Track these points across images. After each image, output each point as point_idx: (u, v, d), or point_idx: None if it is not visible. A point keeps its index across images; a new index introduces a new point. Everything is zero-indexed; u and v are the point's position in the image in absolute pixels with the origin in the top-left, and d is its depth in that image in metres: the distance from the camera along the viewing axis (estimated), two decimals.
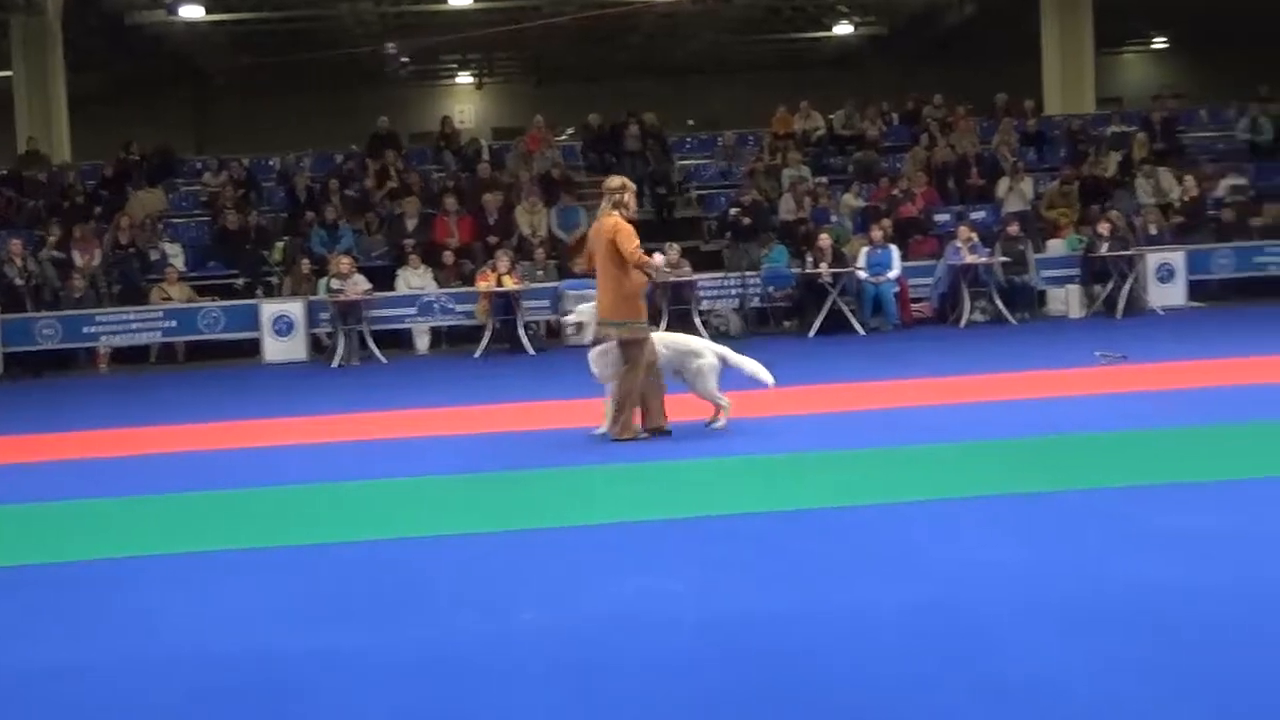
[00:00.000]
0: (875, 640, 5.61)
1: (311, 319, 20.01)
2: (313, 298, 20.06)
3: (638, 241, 10.92)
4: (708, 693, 5.12)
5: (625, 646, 5.69)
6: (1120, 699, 4.84)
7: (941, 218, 22.64)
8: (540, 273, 20.78)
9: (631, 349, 10.85)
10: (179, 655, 5.89)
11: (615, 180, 11.28)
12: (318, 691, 5.36)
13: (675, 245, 20.18)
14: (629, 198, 11.07)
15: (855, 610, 6.03)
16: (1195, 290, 21.11)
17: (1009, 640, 5.52)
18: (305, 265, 20.71)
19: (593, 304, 11.37)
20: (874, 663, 5.34)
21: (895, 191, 22.72)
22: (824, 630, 5.77)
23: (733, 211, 22.24)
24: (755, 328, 20.70)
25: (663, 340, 11.44)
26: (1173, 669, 5.12)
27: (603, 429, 11.03)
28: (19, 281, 20.24)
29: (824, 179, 23.94)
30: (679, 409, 11.22)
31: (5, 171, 25.11)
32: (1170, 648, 5.35)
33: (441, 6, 29.90)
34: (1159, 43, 42.24)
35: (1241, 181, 23.32)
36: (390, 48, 29.12)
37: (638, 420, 10.97)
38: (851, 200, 23.03)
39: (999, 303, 19.99)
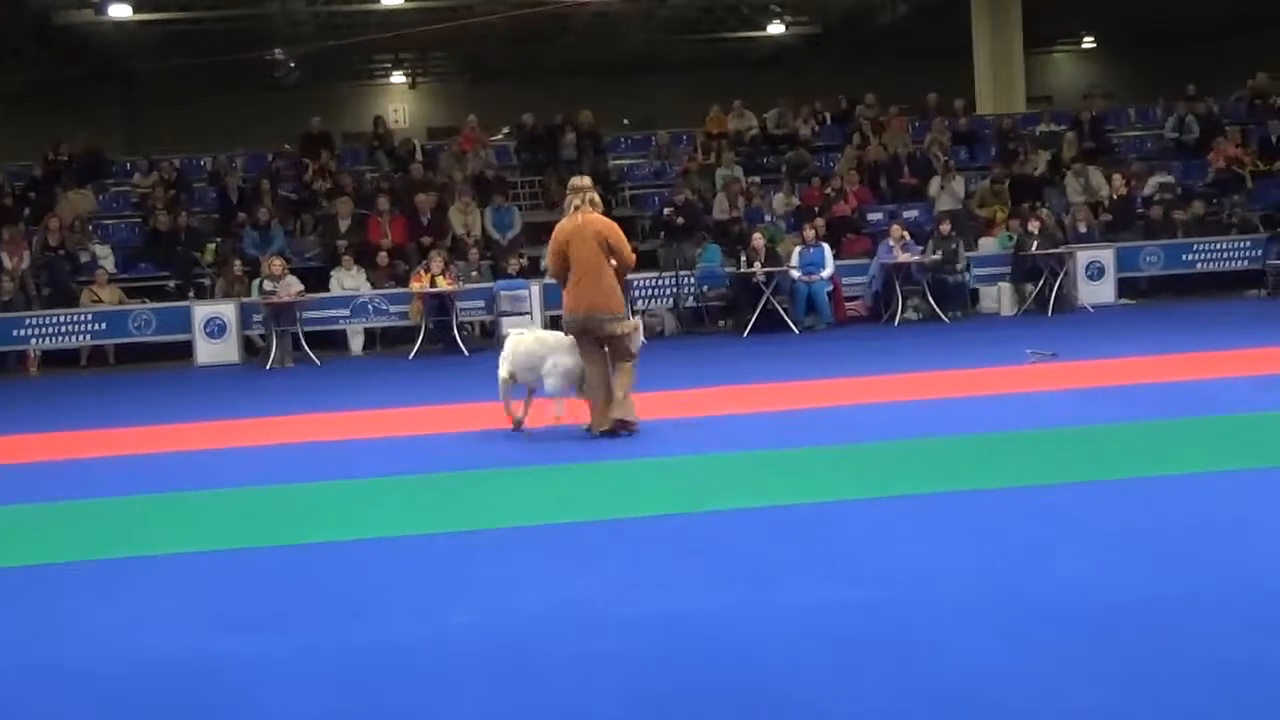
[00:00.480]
0: (806, 639, 5.63)
1: (244, 321, 19.88)
2: (245, 300, 19.92)
3: None
4: (637, 693, 5.14)
5: (557, 647, 5.69)
6: (1053, 697, 4.88)
7: (874, 216, 22.80)
8: (475, 273, 20.74)
9: (635, 336, 11.10)
10: (108, 661, 5.84)
11: (585, 179, 11.51)
12: (248, 696, 5.33)
13: None
14: (597, 196, 11.30)
15: (787, 610, 6.05)
16: (1124, 287, 21.38)
17: (940, 639, 5.55)
18: (238, 266, 20.56)
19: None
20: (804, 662, 5.37)
21: (828, 191, 22.83)
22: (755, 630, 5.79)
23: (666, 211, 22.28)
24: (690, 327, 20.75)
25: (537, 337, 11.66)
26: (1107, 667, 5.15)
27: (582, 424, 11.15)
28: None
29: (757, 178, 24.04)
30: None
31: None
32: (1104, 645, 5.38)
33: (373, 6, 29.71)
34: (1088, 43, 42.66)
35: (1169, 179, 23.62)
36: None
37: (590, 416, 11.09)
38: (784, 200, 23.09)
39: (931, 301, 20.13)
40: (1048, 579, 6.32)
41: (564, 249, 11.07)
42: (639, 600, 6.33)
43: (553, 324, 20.11)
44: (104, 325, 20.11)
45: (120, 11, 28.29)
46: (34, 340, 19.95)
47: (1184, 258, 21.78)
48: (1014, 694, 4.92)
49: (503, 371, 11.44)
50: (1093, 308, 20.40)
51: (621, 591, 6.49)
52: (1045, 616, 5.74)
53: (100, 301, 20.39)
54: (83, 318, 20.08)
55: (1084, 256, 20.96)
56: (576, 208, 11.10)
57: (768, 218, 22.34)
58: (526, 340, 11.55)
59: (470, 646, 5.77)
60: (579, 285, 11.01)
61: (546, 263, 11.30)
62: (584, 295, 10.97)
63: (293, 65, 27.71)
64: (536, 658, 5.58)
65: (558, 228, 11.29)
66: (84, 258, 21.66)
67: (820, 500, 8.28)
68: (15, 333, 19.88)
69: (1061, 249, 20.53)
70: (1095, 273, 20.97)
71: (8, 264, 20.84)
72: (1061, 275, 20.27)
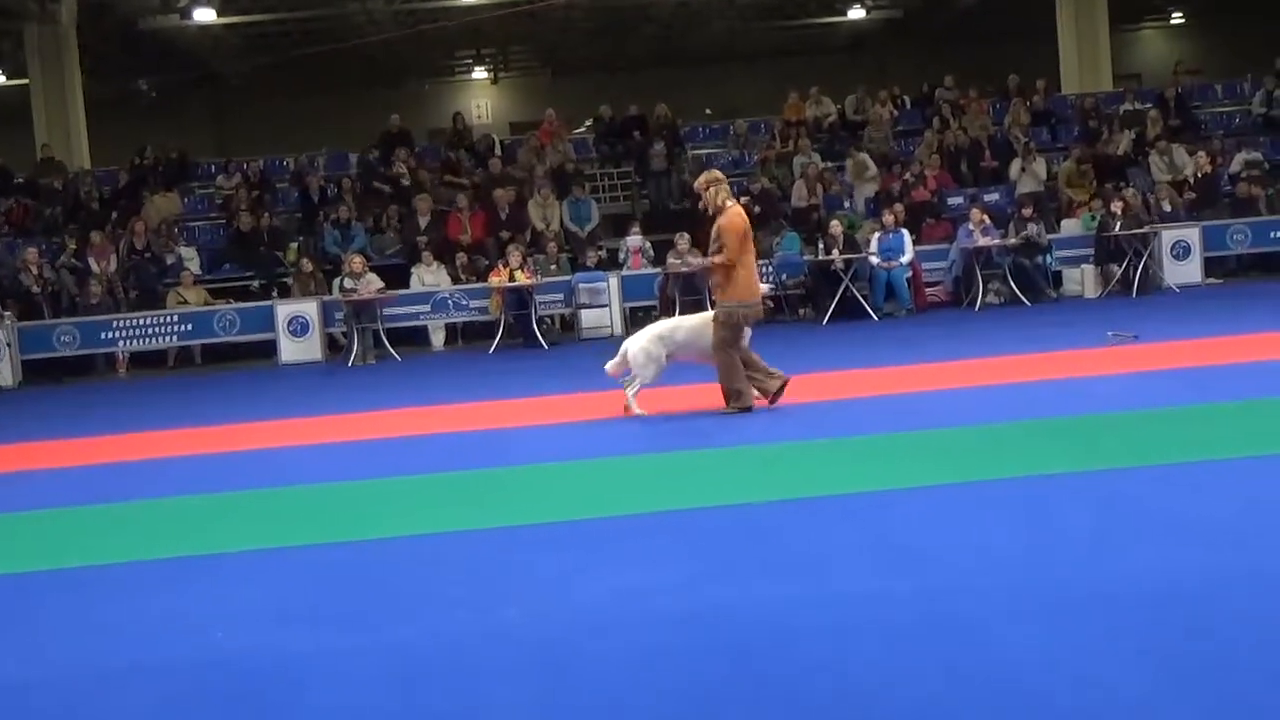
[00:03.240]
0: (857, 629, 5.61)
1: (327, 319, 20.08)
2: (326, 298, 20.12)
3: None
4: (688, 684, 5.14)
5: (609, 640, 5.71)
6: (1098, 686, 4.82)
7: (954, 201, 22.58)
8: (553, 267, 20.81)
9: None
10: (175, 657, 5.94)
11: (719, 172, 12.03)
12: (302, 691, 5.40)
13: (685, 235, 20.20)
14: None
15: (839, 599, 6.03)
16: (1212, 267, 21.00)
17: (994, 628, 5.51)
18: (306, 264, 20.75)
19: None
20: (854, 652, 5.35)
21: (907, 176, 22.66)
22: (806, 620, 5.78)
23: (743, 200, 22.17)
24: (769, 316, 20.56)
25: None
26: (1155, 655, 5.09)
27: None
28: (35, 289, 20.42)
29: (835, 165, 23.89)
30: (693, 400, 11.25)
31: (22, 179, 25.24)
32: (1153, 633, 5.32)
33: (452, 3, 29.85)
34: (1176, 18, 41.93)
35: (1256, 156, 23.16)
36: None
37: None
38: (858, 165, 22.90)
39: (1013, 285, 19.90)
40: (1101, 565, 6.24)
41: (746, 235, 11.34)
42: (693, 593, 6.32)
43: (632, 316, 20.34)
44: (190, 326, 20.41)
45: (204, 15, 28.64)
46: (122, 342, 20.27)
47: (1272, 235, 21.33)
48: (1060, 682, 4.87)
49: (659, 355, 11.64)
50: (1179, 288, 20.08)
51: (676, 584, 6.48)
52: (1095, 604, 5.67)
53: (186, 303, 20.68)
54: (169, 319, 20.39)
55: (1169, 236, 20.61)
56: (728, 195, 11.50)
57: (846, 204, 22.21)
58: (686, 320, 12.16)
59: (522, 641, 5.80)
60: (754, 274, 11.50)
61: (725, 244, 11.26)
62: (749, 284, 11.37)
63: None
64: (587, 651, 5.60)
65: (739, 213, 11.48)
66: (170, 260, 22.00)
67: (882, 488, 8.23)
68: (104, 335, 20.22)
69: (1145, 229, 20.20)
70: (1181, 252, 20.62)
71: (96, 268, 21.20)
72: (1145, 256, 19.97)
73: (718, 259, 11.26)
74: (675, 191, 23.87)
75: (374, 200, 23.15)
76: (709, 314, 11.93)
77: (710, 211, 11.58)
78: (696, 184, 12.00)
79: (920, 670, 5.09)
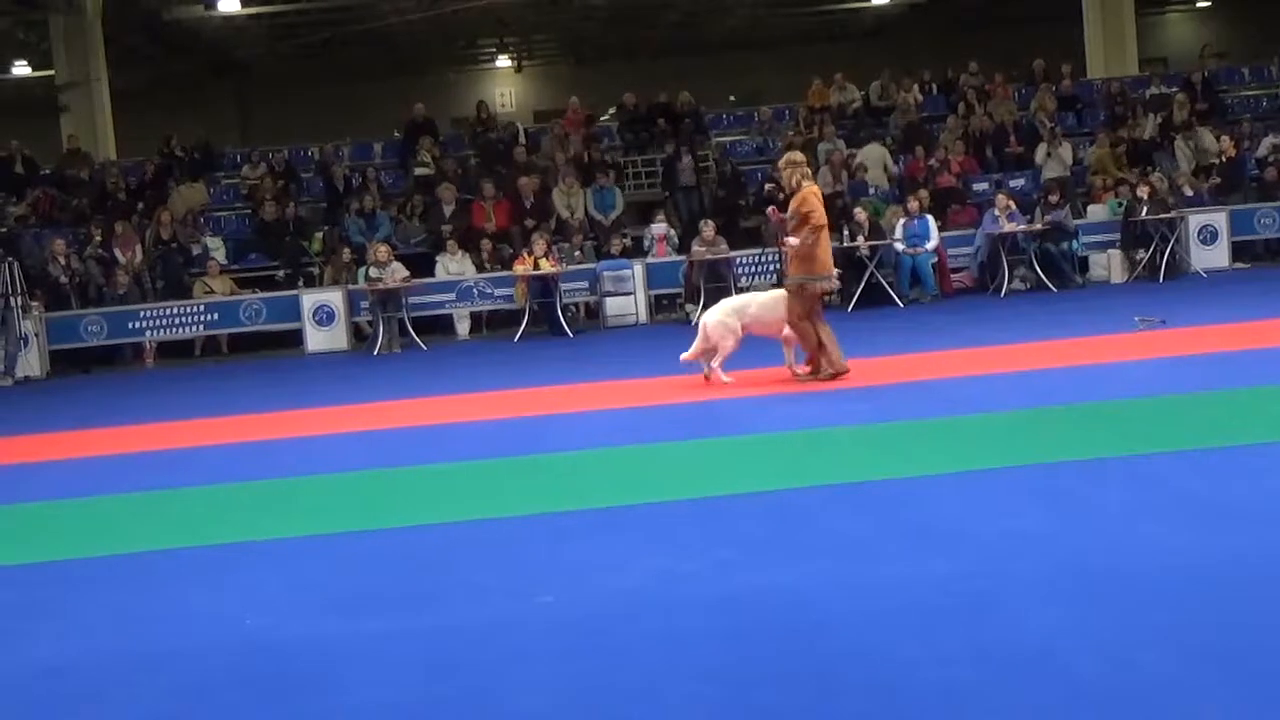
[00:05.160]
0: (887, 613, 5.61)
1: (352, 308, 20.13)
2: (352, 287, 20.16)
3: None
4: (722, 669, 5.15)
5: (641, 625, 5.72)
6: (1126, 667, 4.83)
7: (980, 186, 22.50)
8: (578, 254, 20.82)
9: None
10: (207, 643, 5.97)
11: (801, 154, 12.90)
12: (335, 677, 5.42)
13: (710, 222, 20.21)
14: None
15: (873, 583, 6.04)
16: (1240, 251, 20.89)
17: (1026, 611, 5.51)
18: (346, 254, 20.82)
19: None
20: (883, 636, 5.35)
21: (932, 162, 22.58)
22: (838, 605, 5.79)
23: (768, 187, 22.12)
24: None
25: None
26: (1182, 638, 5.09)
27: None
28: (63, 279, 20.51)
29: (859, 151, 23.79)
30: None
31: (49, 170, 25.35)
32: (1180, 616, 5.31)
33: None
34: (1203, 1, 41.69)
35: None
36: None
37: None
38: (879, 154, 22.89)
39: (1038, 270, 19.83)
40: (1131, 549, 6.25)
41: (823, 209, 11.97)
42: (726, 578, 6.32)
43: (657, 303, 20.38)
44: (216, 315, 20.51)
45: (229, 5, 28.70)
46: (149, 332, 20.36)
47: None
48: (1091, 664, 4.88)
49: (736, 327, 12.27)
50: (1206, 273, 19.98)
51: (709, 569, 6.49)
52: (1126, 587, 5.68)
53: (212, 292, 20.77)
54: (196, 309, 20.49)
55: (1196, 220, 20.50)
56: (805, 176, 12.09)
57: (871, 190, 22.15)
58: (758, 295, 13.00)
59: (557, 626, 5.82)
60: (828, 250, 12.27)
61: (813, 210, 12.05)
62: (822, 259, 12.16)
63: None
64: (622, 636, 5.62)
65: (817, 191, 12.36)
66: (196, 250, 22.07)
67: (911, 474, 8.21)
68: (131, 325, 20.33)
69: (1172, 213, 20.10)
70: (1208, 237, 20.52)
71: (122, 258, 21.28)
72: (1172, 240, 19.88)
73: (814, 220, 11.91)
74: (707, 205, 23.64)
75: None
76: (779, 291, 12.53)
77: (787, 192, 12.26)
78: (779, 163, 12.77)
79: (953, 652, 5.09)
